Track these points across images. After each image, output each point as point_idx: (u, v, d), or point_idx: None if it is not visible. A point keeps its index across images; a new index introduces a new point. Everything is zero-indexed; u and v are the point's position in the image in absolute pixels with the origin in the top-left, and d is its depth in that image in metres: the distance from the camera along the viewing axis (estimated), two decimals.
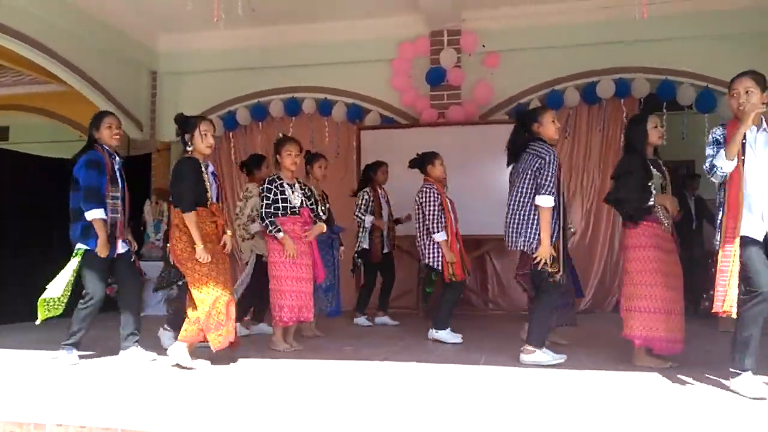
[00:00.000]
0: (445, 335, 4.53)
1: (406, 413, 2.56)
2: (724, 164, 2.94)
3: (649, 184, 3.51)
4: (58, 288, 3.63)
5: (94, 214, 3.64)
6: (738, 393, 2.86)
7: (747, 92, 2.95)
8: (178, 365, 3.53)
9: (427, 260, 4.62)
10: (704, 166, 3.08)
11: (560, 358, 3.64)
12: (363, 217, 5.53)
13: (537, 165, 3.64)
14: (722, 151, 2.95)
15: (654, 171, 3.56)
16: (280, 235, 4.08)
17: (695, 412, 2.61)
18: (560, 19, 6.53)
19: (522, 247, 3.71)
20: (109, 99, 6.91)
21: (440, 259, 4.55)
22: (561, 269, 3.62)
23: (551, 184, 3.59)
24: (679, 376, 3.26)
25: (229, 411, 2.61)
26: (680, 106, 6.43)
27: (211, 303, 3.50)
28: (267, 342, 4.29)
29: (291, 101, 7.30)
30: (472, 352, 4.14)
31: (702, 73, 6.25)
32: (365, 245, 5.57)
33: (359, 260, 5.63)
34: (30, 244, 5.99)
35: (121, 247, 3.82)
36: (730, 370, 2.94)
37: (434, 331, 4.58)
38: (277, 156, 4.28)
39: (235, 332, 3.66)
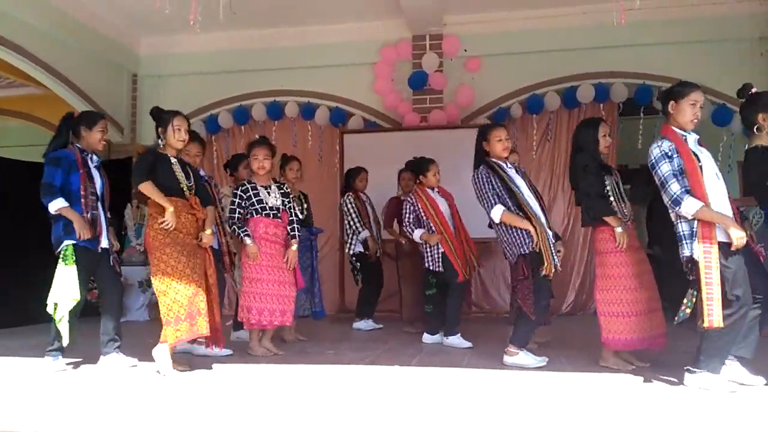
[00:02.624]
0: (456, 340, 4.51)
1: (389, 417, 2.58)
2: (691, 207, 2.91)
3: (606, 188, 3.55)
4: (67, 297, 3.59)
5: (56, 205, 3.58)
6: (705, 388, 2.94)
7: (701, 107, 3.06)
8: (157, 371, 3.50)
9: (426, 264, 4.66)
10: (668, 192, 2.97)
11: (542, 361, 3.67)
12: (360, 228, 5.55)
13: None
14: (692, 199, 2.92)
15: (604, 174, 3.59)
16: (248, 241, 4.10)
17: (673, 411, 2.66)
18: (541, 24, 6.62)
19: (517, 255, 3.72)
20: (89, 102, 6.83)
21: (441, 261, 4.57)
22: (549, 265, 3.64)
23: (491, 201, 3.76)
24: (656, 377, 3.31)
25: (210, 418, 2.61)
26: (656, 110, 6.54)
27: (172, 295, 3.45)
28: (245, 348, 4.26)
29: (273, 105, 7.29)
30: (455, 354, 4.17)
31: (679, 78, 6.33)
32: (360, 248, 5.58)
33: (357, 263, 5.62)
34: (9, 249, 5.91)
35: (105, 242, 3.77)
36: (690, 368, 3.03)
37: (445, 337, 4.58)
38: (247, 160, 4.33)
39: (212, 328, 3.60)
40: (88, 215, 3.65)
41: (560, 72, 6.68)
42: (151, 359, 3.52)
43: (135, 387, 3.24)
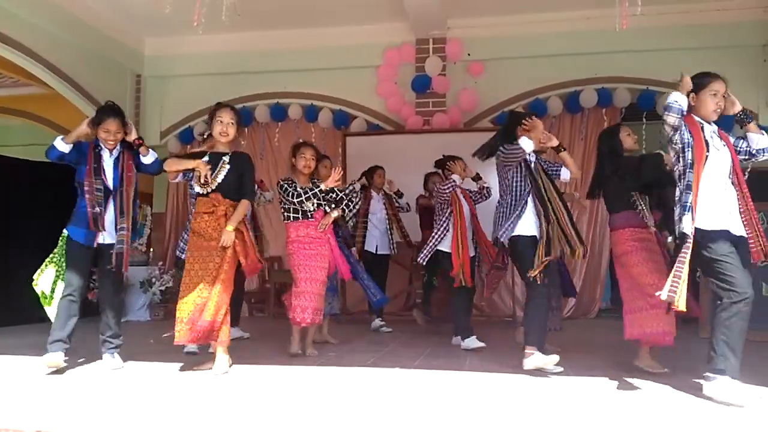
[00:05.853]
0: (470, 342, 4.48)
1: (388, 420, 2.57)
2: (679, 98, 3.09)
3: None
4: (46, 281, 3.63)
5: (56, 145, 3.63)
6: (711, 398, 2.83)
7: (725, 96, 3.07)
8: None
9: None
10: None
11: (558, 368, 3.55)
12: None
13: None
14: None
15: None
16: None
17: (671, 419, 2.65)
18: (544, 29, 6.63)
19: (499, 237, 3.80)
20: (93, 102, 6.84)
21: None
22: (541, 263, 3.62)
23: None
24: (658, 383, 3.30)
25: (206, 420, 2.60)
26: (659, 115, 6.53)
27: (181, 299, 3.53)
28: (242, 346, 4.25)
29: (277, 107, 7.30)
30: (456, 357, 4.16)
31: None
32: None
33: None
34: (7, 248, 5.91)
35: (107, 239, 3.68)
36: (705, 374, 2.90)
37: (461, 340, 4.56)
38: (293, 159, 4.33)
39: (192, 336, 3.54)
40: (91, 210, 3.59)
41: (563, 77, 6.70)
42: (149, 359, 3.51)
43: (137, 387, 3.24)
